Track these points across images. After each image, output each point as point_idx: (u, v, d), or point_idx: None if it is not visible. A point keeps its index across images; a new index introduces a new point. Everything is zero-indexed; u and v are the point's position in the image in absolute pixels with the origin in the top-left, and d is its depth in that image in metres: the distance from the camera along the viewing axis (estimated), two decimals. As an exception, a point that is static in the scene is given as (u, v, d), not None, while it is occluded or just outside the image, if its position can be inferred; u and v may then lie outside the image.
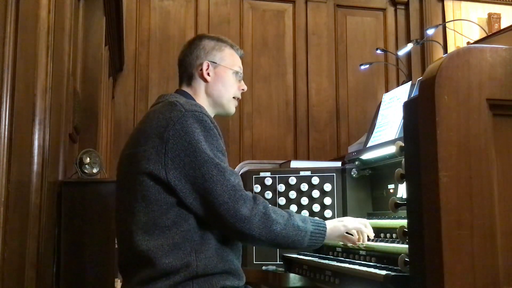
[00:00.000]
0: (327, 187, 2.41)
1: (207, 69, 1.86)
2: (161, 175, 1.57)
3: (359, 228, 1.87)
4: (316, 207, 2.40)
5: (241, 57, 1.97)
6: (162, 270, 1.55)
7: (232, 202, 1.55)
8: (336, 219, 1.90)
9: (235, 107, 1.96)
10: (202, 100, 1.86)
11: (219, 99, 1.89)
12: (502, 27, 5.50)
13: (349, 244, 1.92)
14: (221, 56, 1.89)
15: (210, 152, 1.58)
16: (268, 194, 2.43)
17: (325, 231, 1.75)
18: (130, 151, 1.68)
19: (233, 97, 1.92)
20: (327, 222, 1.80)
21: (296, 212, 2.37)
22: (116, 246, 1.86)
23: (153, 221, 1.57)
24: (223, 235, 1.64)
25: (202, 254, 1.57)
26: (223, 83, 1.88)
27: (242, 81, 1.96)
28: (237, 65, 1.93)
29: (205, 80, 1.87)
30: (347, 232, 1.86)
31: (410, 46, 5.23)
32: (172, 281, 1.54)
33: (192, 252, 1.56)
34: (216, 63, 1.88)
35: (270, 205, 1.64)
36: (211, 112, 1.89)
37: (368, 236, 1.89)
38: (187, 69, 1.89)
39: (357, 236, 1.87)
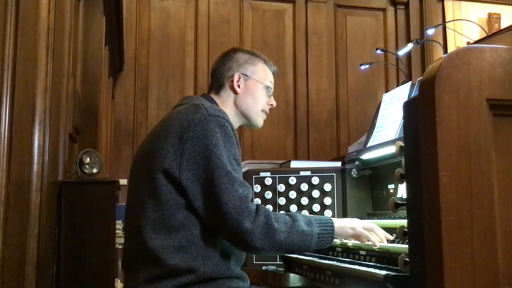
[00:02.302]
0: (327, 187, 2.40)
1: (238, 81, 1.87)
2: (174, 175, 1.57)
3: (366, 234, 1.81)
4: (316, 207, 2.40)
5: (273, 73, 1.96)
6: (168, 270, 1.55)
7: (236, 213, 1.54)
8: (344, 219, 1.86)
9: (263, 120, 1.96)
10: (228, 109, 1.86)
11: (247, 111, 1.89)
12: (502, 27, 5.50)
13: (350, 244, 1.91)
14: (254, 70, 1.90)
15: (225, 159, 1.58)
16: (268, 194, 2.43)
17: (333, 230, 1.72)
18: (148, 146, 1.68)
19: (262, 110, 1.93)
20: (334, 220, 1.76)
21: (296, 212, 2.37)
22: (123, 242, 1.86)
23: (161, 220, 1.58)
24: (227, 244, 1.63)
25: (209, 261, 1.57)
26: (252, 96, 1.89)
27: (272, 97, 1.96)
28: (269, 79, 1.93)
29: (235, 92, 1.87)
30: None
31: (410, 46, 5.23)
32: (179, 282, 1.54)
33: (199, 258, 1.56)
34: (247, 75, 1.88)
35: (272, 213, 1.62)
36: (236, 122, 1.90)
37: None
38: (219, 79, 1.90)
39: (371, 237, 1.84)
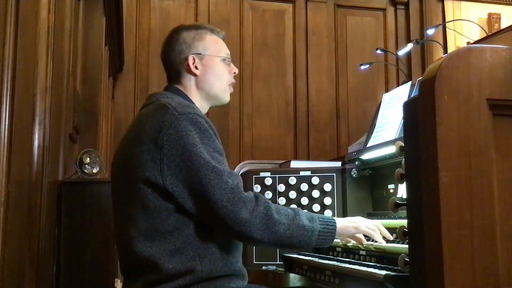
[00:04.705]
0: (327, 187, 2.41)
1: (194, 62, 1.78)
2: (158, 182, 1.53)
3: (370, 233, 1.80)
4: (316, 207, 2.40)
5: (223, 39, 1.87)
6: (166, 274, 1.53)
7: (231, 205, 1.52)
8: (347, 219, 1.84)
9: (230, 95, 1.88)
10: (194, 95, 1.80)
11: (212, 90, 1.81)
12: (502, 27, 5.49)
13: (350, 244, 1.91)
14: (204, 46, 1.80)
15: (206, 155, 1.54)
16: (268, 194, 2.43)
17: (335, 230, 1.69)
18: (123, 154, 1.64)
19: (227, 84, 1.85)
20: (337, 220, 1.73)
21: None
22: (117, 251, 1.84)
23: (154, 227, 1.55)
24: (224, 238, 1.61)
25: (206, 259, 1.55)
26: (213, 73, 1.80)
27: (232, 64, 1.87)
28: (223, 51, 1.84)
29: (194, 74, 1.79)
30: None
31: (410, 46, 5.23)
32: (177, 284, 1.53)
33: (196, 257, 1.55)
34: (201, 53, 1.79)
35: (273, 205, 1.59)
36: (205, 105, 1.83)
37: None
38: (173, 66, 1.81)
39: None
